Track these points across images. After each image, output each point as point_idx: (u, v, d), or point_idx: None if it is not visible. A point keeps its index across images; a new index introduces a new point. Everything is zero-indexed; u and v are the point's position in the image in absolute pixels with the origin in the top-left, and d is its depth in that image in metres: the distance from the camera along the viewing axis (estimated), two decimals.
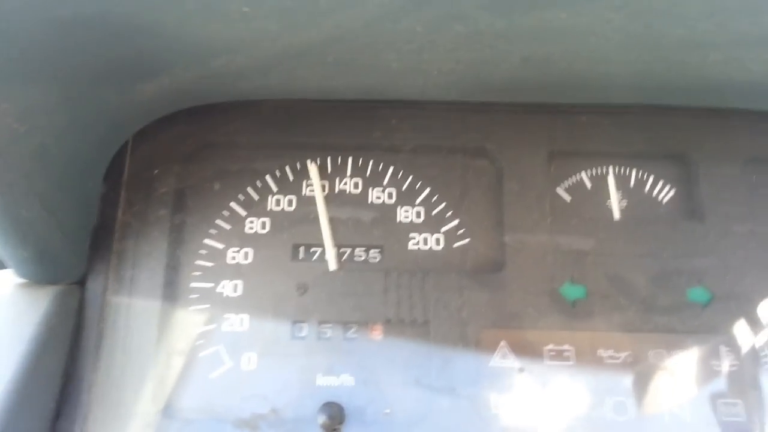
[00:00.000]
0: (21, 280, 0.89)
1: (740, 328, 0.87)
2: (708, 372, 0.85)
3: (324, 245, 0.92)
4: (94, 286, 0.90)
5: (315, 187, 0.95)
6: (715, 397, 0.84)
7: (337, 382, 0.85)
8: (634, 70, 0.82)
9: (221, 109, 0.97)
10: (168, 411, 0.83)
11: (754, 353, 0.86)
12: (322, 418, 0.80)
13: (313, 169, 0.95)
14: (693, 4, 0.64)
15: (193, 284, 0.90)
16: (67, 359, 0.85)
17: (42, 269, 0.87)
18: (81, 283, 0.90)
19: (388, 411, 0.83)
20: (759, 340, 0.86)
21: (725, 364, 0.85)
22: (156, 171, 0.94)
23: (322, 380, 0.85)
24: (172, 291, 0.89)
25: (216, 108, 0.97)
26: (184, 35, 0.72)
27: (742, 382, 0.84)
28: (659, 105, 0.97)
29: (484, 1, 0.64)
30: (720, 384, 0.84)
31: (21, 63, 0.67)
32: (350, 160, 0.97)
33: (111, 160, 0.94)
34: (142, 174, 0.94)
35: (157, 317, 0.87)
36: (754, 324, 0.87)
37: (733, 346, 0.86)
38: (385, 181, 0.96)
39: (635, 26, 0.69)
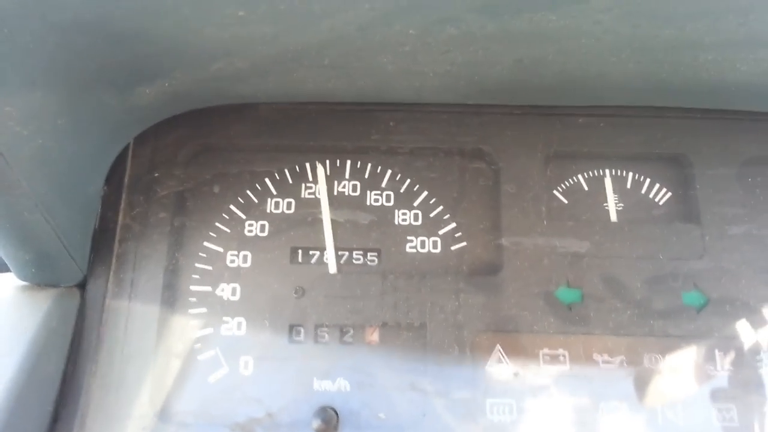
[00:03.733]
0: (22, 283, 0.89)
1: (735, 332, 0.87)
2: (703, 376, 0.85)
3: (324, 248, 0.92)
4: (94, 288, 0.91)
5: (321, 189, 0.95)
6: (709, 402, 0.83)
7: (333, 387, 0.85)
8: (627, 71, 0.82)
9: (220, 112, 0.98)
10: (165, 414, 0.84)
11: (749, 357, 0.85)
12: (316, 423, 0.80)
13: (320, 171, 0.96)
14: (679, 6, 0.64)
15: (192, 287, 0.91)
16: (66, 361, 0.86)
17: (42, 272, 0.88)
18: (81, 285, 0.91)
19: (382, 416, 0.83)
20: (754, 344, 0.86)
21: (720, 368, 0.85)
22: (156, 174, 0.95)
23: (318, 384, 0.85)
24: (171, 294, 0.90)
25: (215, 111, 0.98)
26: (182, 39, 0.73)
27: (737, 386, 0.84)
28: (655, 107, 0.97)
29: (474, 3, 0.64)
30: (714, 388, 0.84)
31: (23, 67, 0.68)
32: (348, 162, 0.97)
33: (112, 164, 0.95)
34: (142, 177, 0.95)
35: (156, 320, 0.88)
36: (749, 328, 0.87)
37: (727, 350, 0.86)
38: (383, 184, 0.97)
39: (624, 27, 0.69)
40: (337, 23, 0.70)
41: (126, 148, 0.97)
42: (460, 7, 0.65)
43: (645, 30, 0.69)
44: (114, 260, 0.91)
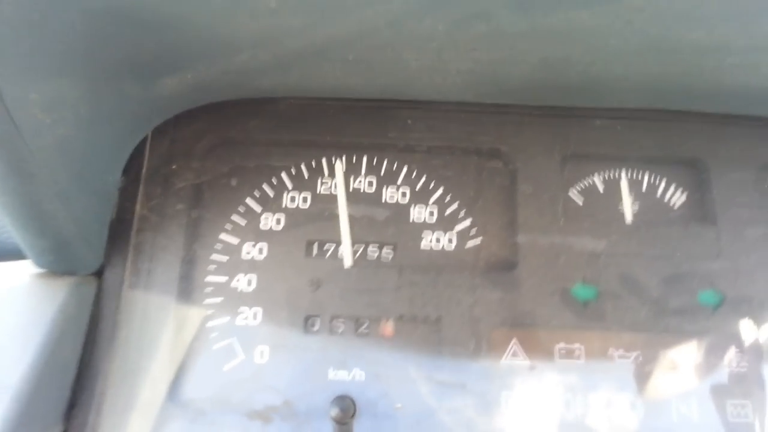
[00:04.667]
0: (39, 270, 0.89)
1: (750, 331, 0.88)
2: (717, 373, 0.86)
3: (340, 242, 0.93)
4: (111, 277, 0.91)
5: (338, 184, 0.96)
6: (723, 398, 0.84)
7: (349, 377, 0.86)
8: (650, 73, 0.83)
9: (239, 106, 0.98)
10: (181, 402, 0.84)
11: (763, 355, 0.86)
12: (334, 411, 0.80)
13: (338, 166, 0.97)
14: (713, 7, 0.65)
15: (208, 278, 0.91)
16: (82, 349, 0.86)
17: (60, 260, 0.87)
18: (98, 274, 0.91)
19: (399, 406, 0.84)
20: None
21: (734, 366, 0.86)
22: (174, 166, 0.96)
23: (333, 374, 0.86)
24: (187, 285, 0.90)
25: (234, 105, 0.98)
26: (211, 29, 0.74)
27: (751, 383, 0.85)
28: (673, 110, 0.98)
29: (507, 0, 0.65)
30: (729, 385, 0.85)
31: (52, 54, 0.68)
32: (365, 158, 0.98)
33: (130, 155, 0.95)
34: (160, 169, 0.95)
35: (172, 309, 0.88)
36: (764, 327, 0.88)
37: (742, 348, 0.87)
38: (400, 181, 0.97)
39: (655, 28, 0.70)
40: (367, 17, 0.70)
41: (144, 140, 0.97)
42: (493, 4, 0.66)
43: (674, 32, 0.70)
44: (131, 250, 0.91)
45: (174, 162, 0.96)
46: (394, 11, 0.68)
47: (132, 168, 0.95)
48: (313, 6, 0.68)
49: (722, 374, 0.86)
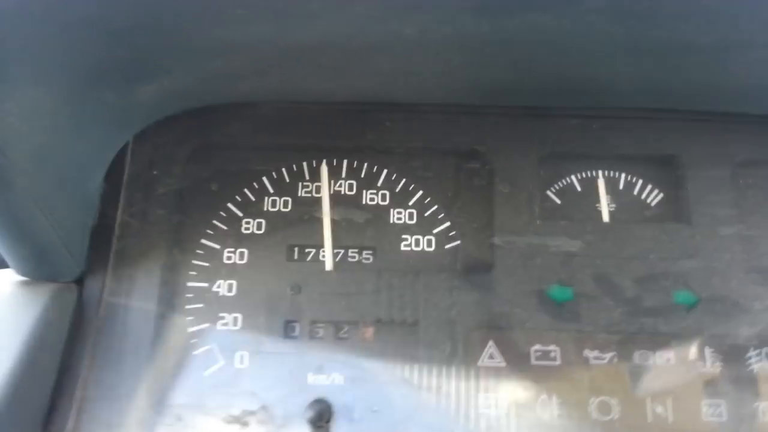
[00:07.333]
0: (20, 278, 0.90)
1: (725, 330, 0.87)
2: (692, 372, 0.85)
3: (322, 246, 0.93)
4: (92, 284, 0.91)
5: (323, 187, 0.96)
6: (698, 398, 0.84)
7: (327, 381, 0.86)
8: (620, 72, 0.83)
9: (219, 111, 0.99)
10: (161, 407, 0.84)
11: (738, 355, 0.86)
12: (309, 414, 0.81)
13: (323, 170, 0.97)
14: (671, 7, 0.66)
15: (190, 284, 0.92)
16: (63, 354, 0.86)
17: (41, 267, 0.88)
18: (79, 281, 0.92)
19: (375, 409, 0.84)
20: (743, 342, 0.87)
21: (709, 366, 0.86)
22: (155, 172, 0.96)
23: (312, 378, 0.86)
24: (168, 290, 0.91)
25: (214, 110, 0.99)
26: (182, 36, 0.74)
27: (726, 382, 0.85)
28: (648, 108, 0.98)
29: (468, 4, 0.66)
30: (704, 384, 0.85)
31: (26, 64, 0.69)
32: (345, 162, 0.98)
33: (112, 161, 0.96)
34: (142, 174, 0.96)
35: (153, 316, 0.89)
36: (739, 326, 0.87)
37: (717, 348, 0.86)
38: (379, 183, 0.98)
39: (617, 28, 0.70)
40: (334, 22, 0.71)
41: (125, 146, 0.97)
42: (455, 8, 0.66)
43: (637, 31, 0.71)
44: (112, 256, 0.92)
45: (155, 168, 0.96)
46: (359, 16, 0.69)
47: (113, 174, 0.96)
48: (278, 12, 0.68)
49: (697, 374, 0.85)
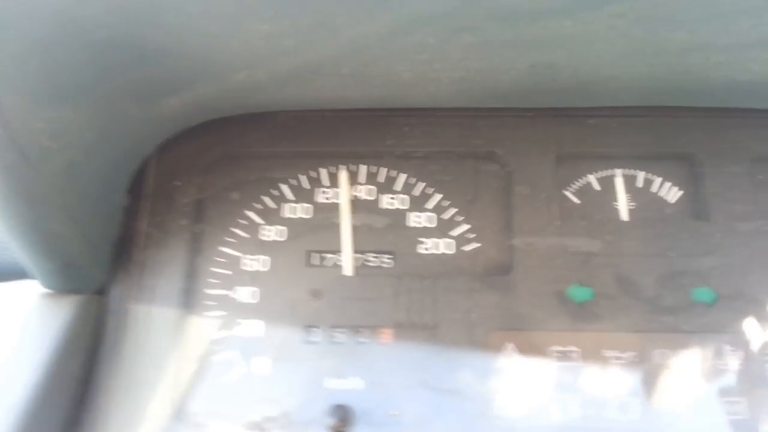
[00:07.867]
0: (45, 290, 0.91)
1: (745, 328, 0.87)
2: (712, 371, 0.85)
3: (338, 251, 0.94)
4: (115, 295, 0.92)
5: (343, 193, 0.97)
6: (719, 396, 0.84)
7: (347, 386, 0.87)
8: (638, 73, 0.84)
9: (239, 121, 1.00)
10: (182, 415, 0.85)
11: (758, 352, 0.86)
12: (330, 420, 0.81)
13: (343, 175, 0.98)
14: (694, 10, 0.66)
15: (210, 291, 0.92)
16: (86, 366, 0.87)
17: (66, 280, 0.89)
18: (101, 291, 0.93)
19: (395, 413, 0.85)
20: (763, 340, 0.86)
21: (729, 363, 0.85)
22: (178, 183, 0.97)
23: (331, 383, 0.87)
24: (189, 298, 0.92)
25: (234, 120, 1.00)
26: (208, 54, 0.75)
27: (746, 380, 0.85)
28: (665, 106, 0.98)
29: (492, 12, 0.66)
30: (724, 383, 0.85)
31: (55, 84, 0.70)
32: (363, 167, 0.99)
33: (134, 173, 0.97)
34: (164, 186, 0.97)
35: (175, 324, 0.90)
36: (759, 323, 0.87)
37: (737, 345, 0.86)
38: (398, 188, 0.98)
39: (639, 31, 0.71)
40: (359, 35, 0.71)
41: (148, 158, 0.98)
42: (479, 16, 0.67)
43: (659, 34, 0.71)
44: (136, 267, 0.93)
45: (178, 178, 0.97)
46: (384, 28, 0.70)
47: (136, 186, 0.97)
48: (304, 27, 0.69)
49: (717, 372, 0.85)
